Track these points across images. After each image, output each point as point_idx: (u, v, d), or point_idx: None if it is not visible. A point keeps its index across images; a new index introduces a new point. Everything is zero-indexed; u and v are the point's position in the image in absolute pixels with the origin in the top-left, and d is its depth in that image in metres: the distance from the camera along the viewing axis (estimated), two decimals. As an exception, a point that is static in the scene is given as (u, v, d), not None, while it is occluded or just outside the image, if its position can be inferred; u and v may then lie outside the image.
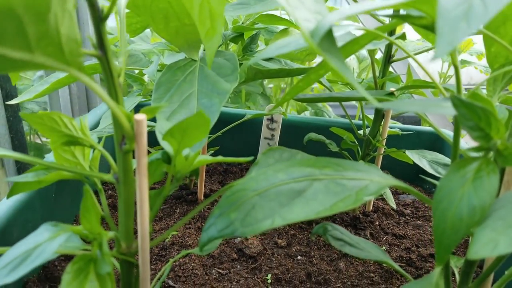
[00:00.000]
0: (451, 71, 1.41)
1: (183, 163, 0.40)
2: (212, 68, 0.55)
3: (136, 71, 0.98)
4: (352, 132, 0.80)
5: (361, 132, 0.79)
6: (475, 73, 1.86)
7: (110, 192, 0.88)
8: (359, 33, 0.39)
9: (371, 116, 0.79)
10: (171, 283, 0.61)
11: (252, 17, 0.81)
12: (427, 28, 0.33)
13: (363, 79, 1.16)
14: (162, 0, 0.51)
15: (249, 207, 0.34)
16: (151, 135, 0.42)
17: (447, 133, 0.84)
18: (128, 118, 0.35)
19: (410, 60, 1.22)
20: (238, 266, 0.67)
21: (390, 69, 0.72)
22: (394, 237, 0.79)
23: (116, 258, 0.42)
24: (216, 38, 0.39)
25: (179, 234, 0.73)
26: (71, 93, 1.25)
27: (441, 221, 0.30)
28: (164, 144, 0.39)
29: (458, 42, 0.25)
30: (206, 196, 0.86)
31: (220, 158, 0.44)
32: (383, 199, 0.91)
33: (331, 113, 1.34)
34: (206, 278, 0.63)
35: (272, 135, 0.95)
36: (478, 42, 1.28)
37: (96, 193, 0.79)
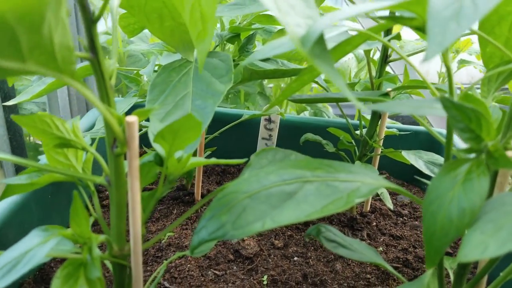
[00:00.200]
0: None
1: (176, 165, 0.40)
2: (206, 69, 0.55)
3: (135, 71, 0.98)
4: (349, 133, 0.80)
5: (358, 132, 0.79)
6: (476, 73, 1.86)
7: (107, 192, 0.88)
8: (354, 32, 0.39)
9: (369, 116, 0.78)
10: (167, 285, 0.61)
11: (250, 17, 0.81)
12: (419, 29, 0.33)
13: (360, 79, 1.16)
14: (157, 0, 0.51)
15: (240, 210, 0.34)
16: (148, 136, 0.42)
17: (444, 133, 0.84)
18: (119, 121, 0.35)
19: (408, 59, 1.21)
20: (235, 267, 0.67)
21: (389, 69, 0.72)
22: (391, 238, 0.78)
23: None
24: (208, 40, 0.39)
25: (175, 235, 0.73)
26: (69, 93, 1.25)
27: (431, 224, 0.30)
28: (156, 146, 0.39)
29: (449, 43, 0.25)
30: (203, 196, 0.86)
31: (213, 160, 0.44)
32: (381, 200, 0.90)
33: (330, 113, 1.33)
34: (202, 279, 0.63)
35: (270, 135, 0.95)
36: (477, 42, 1.28)
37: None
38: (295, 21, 0.28)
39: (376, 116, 0.74)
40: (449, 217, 0.30)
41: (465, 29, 0.25)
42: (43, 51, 0.28)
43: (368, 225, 0.81)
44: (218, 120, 0.96)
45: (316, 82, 0.77)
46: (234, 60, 0.79)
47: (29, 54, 0.27)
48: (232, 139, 1.03)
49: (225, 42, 0.78)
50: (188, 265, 0.66)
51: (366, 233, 0.79)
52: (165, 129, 0.36)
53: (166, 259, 0.67)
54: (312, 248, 0.74)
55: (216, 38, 0.77)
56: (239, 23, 0.82)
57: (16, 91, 1.19)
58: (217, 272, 0.66)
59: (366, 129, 0.78)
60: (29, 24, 0.26)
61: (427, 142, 0.99)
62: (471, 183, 0.30)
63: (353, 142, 0.80)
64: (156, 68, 0.79)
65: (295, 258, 0.70)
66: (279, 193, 0.35)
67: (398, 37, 0.56)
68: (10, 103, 0.76)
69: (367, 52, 0.68)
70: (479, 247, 0.28)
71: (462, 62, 1.31)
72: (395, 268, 0.70)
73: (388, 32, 0.66)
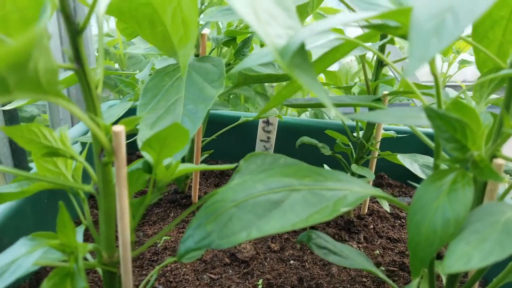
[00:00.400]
0: (451, 70, 1.40)
1: (164, 172, 0.41)
2: (199, 74, 0.55)
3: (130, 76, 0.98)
4: (346, 135, 0.80)
5: (355, 134, 0.78)
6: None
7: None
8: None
9: (366, 119, 0.78)
10: (162, 289, 0.62)
11: (246, 20, 0.80)
12: (403, 37, 0.33)
13: (360, 79, 1.16)
14: (147, 6, 0.50)
15: (226, 219, 0.34)
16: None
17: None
18: (106, 131, 0.35)
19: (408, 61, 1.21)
20: (230, 271, 0.67)
21: (389, 69, 0.72)
22: (388, 241, 0.78)
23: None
24: (190, 45, 0.39)
25: (172, 239, 0.73)
26: (70, 96, 1.25)
27: (416, 234, 0.30)
28: (145, 154, 0.39)
29: (429, 58, 0.25)
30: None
31: (203, 166, 0.44)
32: (378, 202, 0.90)
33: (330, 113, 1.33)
34: (197, 283, 0.63)
35: (268, 138, 0.95)
36: (477, 42, 1.27)
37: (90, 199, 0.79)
38: (276, 31, 0.27)
39: (373, 119, 0.74)
40: (433, 228, 0.30)
41: (446, 45, 0.25)
42: (28, 81, 0.28)
43: (365, 228, 0.81)
44: (216, 122, 0.96)
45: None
46: (230, 64, 0.79)
47: (15, 87, 0.27)
48: (230, 141, 1.03)
49: (221, 45, 0.78)
50: (184, 269, 0.66)
51: (363, 235, 0.79)
52: (152, 137, 0.36)
53: (162, 263, 0.67)
54: (309, 251, 0.73)
55: (212, 41, 0.77)
56: (236, 26, 0.82)
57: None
58: (212, 276, 0.66)
59: (362, 131, 0.77)
60: (17, 67, 0.26)
61: (425, 145, 0.98)
62: (456, 193, 0.30)
63: (350, 144, 0.79)
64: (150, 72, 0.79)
65: (291, 262, 0.70)
66: (266, 202, 0.35)
67: (392, 41, 0.55)
68: (8, 107, 0.76)
69: (362, 56, 0.68)
70: (462, 259, 0.28)
71: (463, 63, 1.31)
72: (392, 271, 0.70)
73: (384, 36, 0.66)
